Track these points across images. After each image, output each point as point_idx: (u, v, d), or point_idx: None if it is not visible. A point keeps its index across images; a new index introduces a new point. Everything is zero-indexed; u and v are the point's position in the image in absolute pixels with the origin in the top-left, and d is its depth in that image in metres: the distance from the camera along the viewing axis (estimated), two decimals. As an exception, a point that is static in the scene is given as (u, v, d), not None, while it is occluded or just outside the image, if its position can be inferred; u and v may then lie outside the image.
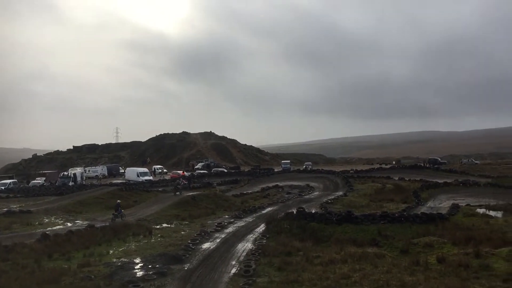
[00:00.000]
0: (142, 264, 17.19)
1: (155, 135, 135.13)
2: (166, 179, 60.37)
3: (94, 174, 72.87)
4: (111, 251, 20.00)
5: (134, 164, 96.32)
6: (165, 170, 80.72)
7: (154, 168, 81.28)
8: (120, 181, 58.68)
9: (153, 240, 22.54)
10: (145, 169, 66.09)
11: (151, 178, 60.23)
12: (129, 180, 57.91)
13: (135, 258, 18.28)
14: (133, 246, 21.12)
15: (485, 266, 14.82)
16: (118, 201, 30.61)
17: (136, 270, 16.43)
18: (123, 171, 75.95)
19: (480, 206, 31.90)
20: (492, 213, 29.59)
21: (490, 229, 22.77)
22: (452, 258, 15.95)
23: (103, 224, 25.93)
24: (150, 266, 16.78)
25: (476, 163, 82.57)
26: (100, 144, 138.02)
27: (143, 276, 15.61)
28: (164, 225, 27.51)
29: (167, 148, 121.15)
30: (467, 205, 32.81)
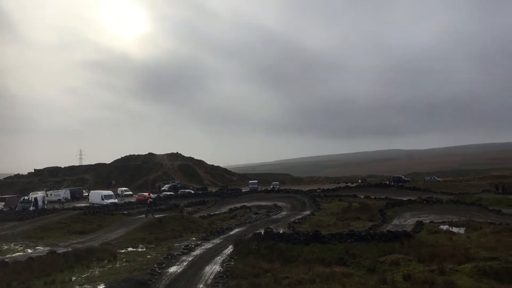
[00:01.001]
0: (106, 291, 16.68)
1: (120, 157, 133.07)
2: (131, 201, 59.20)
3: (56, 198, 70.82)
4: (74, 278, 19.30)
5: (98, 187, 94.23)
6: (130, 192, 79.19)
7: (121, 191, 79.72)
8: (84, 204, 57.11)
9: (118, 265, 21.92)
10: (109, 192, 64.67)
11: (116, 201, 58.96)
12: (93, 204, 56.49)
13: (99, 285, 17.71)
14: (97, 272, 20.46)
15: (450, 283, 15.07)
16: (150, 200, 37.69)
17: (100, 297, 15.92)
18: (87, 194, 74.11)
19: (443, 223, 32.70)
20: (455, 229, 30.35)
21: (453, 245, 23.27)
22: (418, 276, 16.16)
23: (65, 250, 25.09)
24: (114, 293, 16.29)
25: (439, 181, 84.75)
26: (62, 167, 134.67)
27: (107, 303, 15.13)
28: (130, 249, 26.84)
29: (132, 169, 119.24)
30: (430, 222, 33.56)
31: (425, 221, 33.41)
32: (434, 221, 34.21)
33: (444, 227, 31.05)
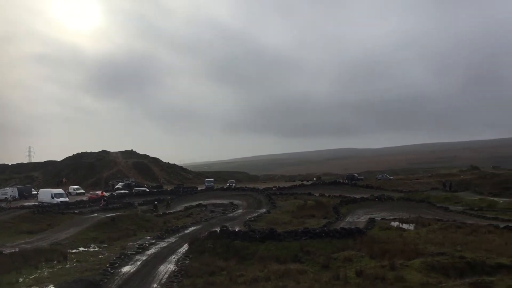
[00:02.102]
0: (55, 292, 16.14)
1: (72, 154, 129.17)
2: (83, 200, 57.57)
3: (3, 197, 67.83)
4: (21, 279, 18.58)
5: (48, 185, 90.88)
6: (82, 191, 77.02)
7: (72, 189, 77.35)
8: (33, 203, 54.98)
9: (68, 266, 21.28)
10: (60, 190, 62.50)
11: (67, 199, 57.11)
12: (42, 202, 54.44)
13: (48, 286, 17.13)
14: (46, 273, 19.78)
15: (400, 278, 15.53)
16: (155, 202, 42.96)
17: (49, 299, 15.39)
18: (36, 192, 71.39)
19: (394, 220, 33.66)
20: (405, 226, 31.32)
21: (404, 241, 24.03)
22: (370, 271, 16.55)
23: (12, 251, 24.09)
24: (64, 294, 15.80)
25: (390, 179, 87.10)
26: (10, 164, 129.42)
27: (56, 305, 14.65)
28: (81, 249, 26.12)
29: (85, 167, 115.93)
30: (382, 219, 34.49)
31: (377, 218, 34.31)
32: (386, 218, 35.18)
33: (395, 223, 31.99)
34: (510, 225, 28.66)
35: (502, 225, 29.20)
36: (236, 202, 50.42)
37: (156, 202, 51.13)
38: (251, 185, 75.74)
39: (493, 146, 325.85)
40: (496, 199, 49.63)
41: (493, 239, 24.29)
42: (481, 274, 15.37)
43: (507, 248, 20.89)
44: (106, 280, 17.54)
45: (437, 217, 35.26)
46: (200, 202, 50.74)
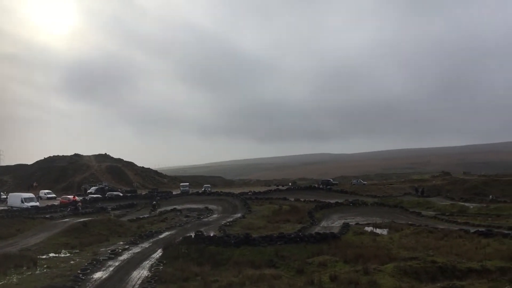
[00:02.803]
0: (24, 299, 15.71)
1: (43, 158, 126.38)
2: (54, 204, 56.37)
3: (-29, 201, 65.85)
4: (-12, 286, 18.05)
5: (18, 189, 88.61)
6: (53, 195, 75.41)
7: (43, 193, 75.63)
8: (2, 207, 53.52)
9: (38, 272, 20.74)
10: (30, 194, 60.96)
11: (37, 204, 55.76)
12: (12, 207, 53.02)
13: (17, 293, 16.67)
14: (14, 279, 19.23)
15: (373, 283, 15.70)
16: (154, 202, 46.56)
17: (17, 306, 14.97)
18: (5, 196, 69.53)
19: (368, 225, 34.06)
20: (378, 230, 31.72)
21: (377, 246, 24.35)
22: (344, 276, 16.68)
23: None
24: (33, 301, 15.39)
25: (364, 184, 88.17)
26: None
27: (25, 312, 14.26)
28: (52, 254, 25.50)
29: (56, 171, 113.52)
30: (356, 224, 34.85)
31: (351, 223, 34.64)
32: (360, 222, 35.55)
33: (369, 228, 32.35)
34: (480, 230, 29.34)
35: (472, 230, 29.85)
36: (211, 207, 50.20)
37: (154, 202, 53.16)
38: (226, 190, 75.57)
39: (464, 152, 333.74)
40: (466, 204, 50.81)
41: (464, 244, 24.81)
42: (452, 279, 15.65)
43: (477, 253, 21.34)
44: (77, 287, 17.18)
45: (410, 222, 35.85)
46: (175, 206, 50.32)
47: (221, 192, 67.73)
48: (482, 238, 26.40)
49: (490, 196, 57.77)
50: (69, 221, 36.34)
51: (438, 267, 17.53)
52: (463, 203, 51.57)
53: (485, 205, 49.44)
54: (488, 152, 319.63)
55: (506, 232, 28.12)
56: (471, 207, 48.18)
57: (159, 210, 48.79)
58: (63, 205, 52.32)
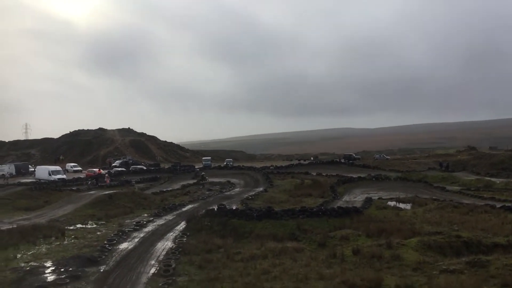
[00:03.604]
0: (53, 268, 16.16)
1: (68, 132, 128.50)
2: (81, 177, 57.57)
3: (0, 173, 67.74)
4: (19, 255, 18.60)
5: (45, 162, 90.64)
6: (79, 168, 76.92)
7: (69, 166, 77.18)
8: (30, 180, 54.91)
9: (66, 242, 21.31)
10: (57, 167, 62.36)
11: (64, 176, 57.04)
12: (40, 179, 54.36)
13: (46, 262, 17.15)
14: (43, 249, 19.81)
15: (396, 257, 15.60)
16: (203, 173, 48.58)
17: (47, 275, 15.43)
18: (33, 169, 71.26)
19: (391, 199, 33.78)
20: (401, 205, 31.45)
21: (400, 220, 24.18)
22: (366, 250, 16.62)
23: (10, 227, 24.08)
24: (62, 270, 15.83)
25: (387, 158, 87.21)
26: (6, 141, 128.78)
27: (54, 280, 14.69)
28: (79, 225, 26.15)
29: (82, 145, 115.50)
30: (379, 198, 34.60)
31: (374, 198, 34.42)
32: (383, 197, 35.28)
33: (392, 203, 32.10)
34: (506, 205, 28.77)
35: (498, 205, 29.31)
36: (233, 180, 50.51)
37: (203, 173, 54.50)
38: (248, 164, 75.85)
39: (490, 127, 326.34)
40: (493, 179, 49.83)
41: (490, 219, 24.43)
42: (477, 253, 15.46)
43: (503, 228, 21.02)
44: (104, 257, 17.58)
45: (434, 197, 35.41)
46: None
47: (243, 166, 68.02)
48: (509, 213, 25.91)
49: (517, 172, 56.54)
50: (95, 193, 37.09)
51: (463, 241, 17.31)
52: (489, 178, 50.60)
53: None
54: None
55: (533, 207, 27.54)
56: (498, 182, 47.24)
57: (182, 183, 49.24)
58: (89, 178, 53.35)
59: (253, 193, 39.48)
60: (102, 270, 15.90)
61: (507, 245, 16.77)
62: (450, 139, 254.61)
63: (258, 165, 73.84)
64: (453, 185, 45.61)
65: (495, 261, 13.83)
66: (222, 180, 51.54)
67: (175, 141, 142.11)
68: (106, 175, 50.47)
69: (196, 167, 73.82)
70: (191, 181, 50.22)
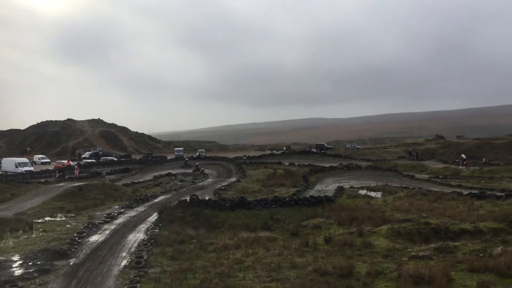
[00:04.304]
0: (21, 262, 15.71)
1: (36, 123, 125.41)
2: (49, 169, 56.29)
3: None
4: (-15, 250, 18.07)
5: (12, 154, 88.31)
6: (48, 160, 75.20)
7: (37, 158, 75.38)
8: (-4, 172, 53.43)
9: (34, 235, 20.79)
10: (24, 159, 60.79)
11: (32, 168, 55.68)
12: (6, 172, 52.96)
13: (13, 256, 16.66)
14: (10, 243, 19.28)
15: (367, 244, 15.85)
16: (197, 163, 50.67)
17: (15, 269, 15.00)
18: (-1, 162, 69.36)
19: (362, 188, 34.29)
20: (372, 194, 31.95)
21: (371, 208, 24.57)
22: (338, 238, 16.82)
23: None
24: (30, 264, 15.43)
25: (358, 148, 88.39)
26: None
27: (22, 274, 14.29)
28: (47, 218, 25.53)
29: (50, 136, 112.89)
30: (350, 187, 35.08)
31: (345, 186, 34.88)
32: (354, 186, 35.79)
33: (363, 191, 32.58)
34: (473, 192, 29.59)
35: (465, 192, 30.12)
36: (206, 171, 50.34)
37: (186, 159, 60.55)
38: (221, 155, 75.69)
39: (458, 116, 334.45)
40: (459, 167, 51.13)
41: (457, 206, 25.05)
42: (445, 239, 15.81)
43: (469, 215, 21.55)
44: (73, 250, 17.24)
45: (403, 185, 36.16)
46: (170, 171, 50.41)
47: (216, 156, 67.83)
48: (475, 200, 26.66)
49: (483, 159, 58.18)
50: (64, 185, 36.31)
51: (432, 228, 17.70)
52: (456, 166, 51.95)
53: (478, 168, 49.86)
54: (482, 116, 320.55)
55: (498, 194, 28.41)
56: (465, 170, 48.56)
57: (153, 175, 48.78)
58: (58, 169, 52.25)
59: (226, 183, 39.42)
60: (71, 263, 15.59)
61: (473, 231, 17.24)
62: (419, 128, 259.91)
63: (230, 155, 73.83)
64: (422, 174, 46.65)
65: (462, 246, 14.19)
66: (189, 170, 51.38)
67: (147, 132, 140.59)
68: (75, 166, 49.32)
69: (168, 157, 73.23)
70: (163, 172, 49.78)
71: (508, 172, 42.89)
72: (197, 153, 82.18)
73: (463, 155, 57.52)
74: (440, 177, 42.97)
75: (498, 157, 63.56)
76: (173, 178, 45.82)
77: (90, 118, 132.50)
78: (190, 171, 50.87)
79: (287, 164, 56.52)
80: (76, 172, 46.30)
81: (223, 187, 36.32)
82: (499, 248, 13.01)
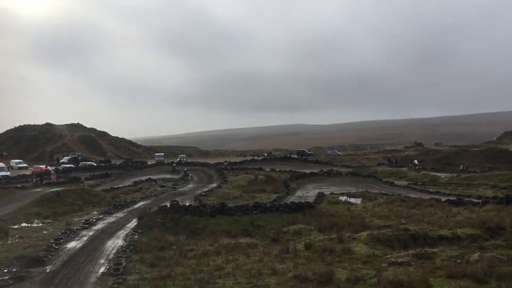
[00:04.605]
0: (-5, 269, 15.39)
1: (13, 127, 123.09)
2: (26, 174, 55.26)
3: None
4: (-42, 257, 17.59)
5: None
6: (25, 165, 73.85)
7: (14, 163, 73.95)
8: (-29, 177, 52.18)
9: (9, 242, 20.37)
10: (1, 164, 59.64)
11: (8, 173, 54.59)
12: (-19, 177, 51.82)
13: (-12, 263, 16.31)
14: (-15, 250, 18.85)
15: (347, 250, 15.94)
16: (185, 169, 50.53)
17: (-12, 277, 14.67)
18: (-26, 166, 67.77)
19: (342, 194, 34.47)
20: (352, 200, 32.16)
21: (351, 215, 24.73)
22: (318, 244, 16.88)
23: None
24: (5, 271, 15.11)
25: (339, 154, 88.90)
26: None
27: (-4, 282, 13.99)
28: (24, 224, 25.06)
29: (27, 140, 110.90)
30: (331, 193, 35.23)
31: (326, 193, 35.01)
32: (334, 192, 35.95)
33: (343, 198, 32.77)
34: (450, 199, 29.99)
35: (443, 199, 30.51)
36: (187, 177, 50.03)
37: (174, 164, 59.52)
38: (202, 160, 75.36)
39: (436, 124, 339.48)
40: (438, 174, 51.85)
41: (435, 212, 25.38)
42: (423, 246, 15.98)
43: (447, 221, 21.86)
44: (50, 256, 16.93)
45: (383, 192, 36.43)
46: (150, 177, 49.95)
47: (197, 162, 67.53)
48: (453, 206, 27.02)
49: (461, 166, 59.07)
50: (41, 190, 35.67)
51: (410, 234, 17.90)
52: (434, 173, 52.63)
53: (455, 175, 50.59)
54: (460, 123, 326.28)
55: (475, 201, 28.87)
56: (442, 176, 49.21)
57: (134, 180, 48.29)
58: (36, 175, 51.29)
59: (207, 189, 39.27)
60: (48, 270, 15.31)
61: (451, 238, 17.49)
62: (399, 135, 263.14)
63: (212, 161, 73.58)
64: (401, 180, 47.13)
65: (440, 253, 14.35)
66: (175, 176, 51.01)
67: (127, 137, 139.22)
68: (52, 172, 48.32)
69: (149, 162, 72.63)
70: (144, 177, 49.31)
71: (484, 179, 43.59)
72: (178, 159, 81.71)
73: (415, 161, 58.69)
74: (419, 183, 43.45)
75: (475, 164, 64.63)
76: (154, 183, 45.43)
77: (69, 122, 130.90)
78: (177, 177, 50.31)
79: (268, 170, 56.58)
80: (53, 177, 45.35)
81: (204, 193, 36.15)
82: (476, 254, 13.19)
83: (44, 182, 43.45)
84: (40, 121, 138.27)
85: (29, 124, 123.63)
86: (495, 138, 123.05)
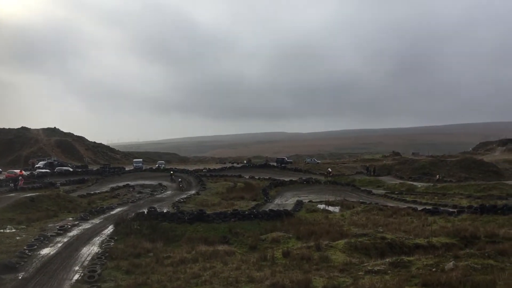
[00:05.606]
0: (-35, 277, 14.95)
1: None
2: (0, 179, 54.05)
3: None
4: None
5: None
6: (-1, 169, 72.28)
7: None
8: None
9: (-19, 248, 19.81)
10: (-26, 168, 58.39)
11: (-19, 178, 53.32)
12: (-47, 181, 50.47)
13: (-43, 270, 15.83)
14: (-46, 256, 18.29)
15: (325, 258, 15.95)
16: (179, 179, 48.70)
17: (-43, 284, 14.25)
18: None
19: (321, 202, 34.63)
20: (330, 208, 32.32)
21: (329, 223, 24.83)
22: (296, 252, 16.87)
23: None
24: (-25, 278, 14.69)
25: (318, 163, 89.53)
26: None
27: (-35, 290, 13.59)
28: (-4, 230, 24.42)
29: (2, 144, 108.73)
30: (309, 201, 35.36)
31: (304, 201, 35.14)
32: (313, 200, 36.10)
33: (322, 206, 32.91)
34: (427, 208, 30.42)
35: (420, 208, 30.90)
36: (165, 183, 49.69)
37: (172, 172, 57.44)
38: (181, 167, 74.90)
39: (413, 134, 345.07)
40: (415, 183, 52.64)
41: (412, 221, 25.66)
42: (400, 254, 16.12)
43: (424, 230, 22.12)
44: (23, 263, 16.51)
45: (361, 200, 36.76)
46: (128, 183, 49.44)
47: (175, 168, 67.09)
48: (429, 215, 27.39)
49: (437, 176, 60.09)
50: (15, 196, 34.89)
51: (387, 243, 18.05)
52: (411, 182, 53.41)
53: (432, 184, 51.43)
54: (436, 133, 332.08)
55: (451, 210, 29.36)
56: (419, 186, 49.97)
57: (111, 186, 47.69)
58: (11, 179, 50.14)
59: (185, 196, 39.00)
60: (20, 277, 14.92)
61: (427, 246, 17.68)
62: (377, 144, 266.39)
63: (191, 167, 73.20)
64: (378, 189, 47.70)
65: (416, 261, 14.48)
66: (154, 182, 50.56)
67: (105, 142, 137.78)
68: (20, 177, 46.73)
69: (126, 168, 71.82)
70: (121, 183, 48.73)
71: (460, 189, 44.41)
72: (156, 165, 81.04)
73: (329, 169, 61.39)
74: (396, 192, 44.03)
75: (450, 174, 65.85)
76: (131, 189, 44.94)
77: (45, 127, 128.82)
78: (175, 184, 49.59)
79: (247, 177, 56.55)
80: (21, 183, 44.04)
81: (182, 200, 35.89)
82: (451, 263, 13.35)
83: (17, 187, 42.42)
84: (15, 125, 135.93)
85: (4, 128, 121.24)
86: (471, 149, 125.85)
